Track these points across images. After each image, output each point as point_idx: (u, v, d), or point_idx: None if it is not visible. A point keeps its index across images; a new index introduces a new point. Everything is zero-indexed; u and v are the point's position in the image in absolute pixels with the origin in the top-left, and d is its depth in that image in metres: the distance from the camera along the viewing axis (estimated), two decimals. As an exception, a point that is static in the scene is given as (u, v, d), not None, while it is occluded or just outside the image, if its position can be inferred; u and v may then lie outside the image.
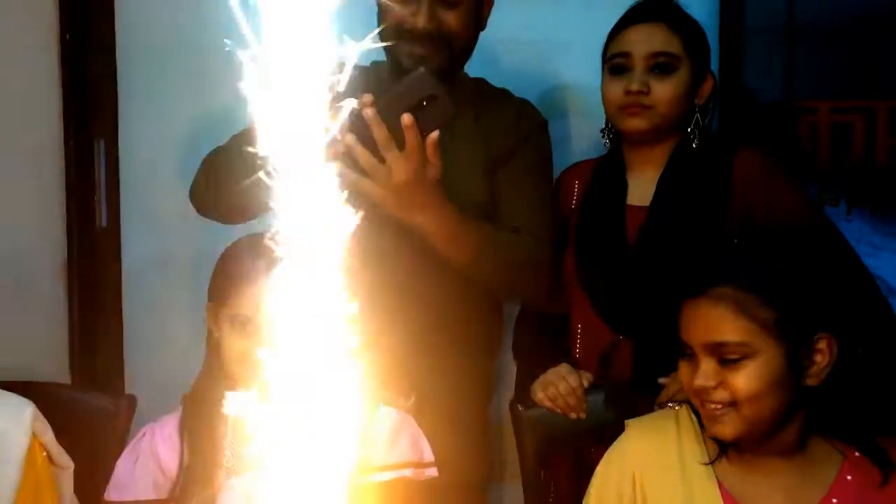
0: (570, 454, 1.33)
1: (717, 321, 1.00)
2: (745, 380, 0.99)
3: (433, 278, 1.37)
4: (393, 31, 1.34)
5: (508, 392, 1.57)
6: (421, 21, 1.33)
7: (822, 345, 1.01)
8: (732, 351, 1.00)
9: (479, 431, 1.52)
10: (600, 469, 1.14)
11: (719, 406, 1.01)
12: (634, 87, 1.36)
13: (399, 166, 1.19)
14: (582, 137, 1.72)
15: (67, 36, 1.78)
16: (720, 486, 1.06)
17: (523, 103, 1.52)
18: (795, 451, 1.05)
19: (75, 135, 1.80)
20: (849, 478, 1.04)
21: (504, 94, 1.53)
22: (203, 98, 1.79)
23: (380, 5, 1.39)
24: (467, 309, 1.43)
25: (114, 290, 1.86)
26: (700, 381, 1.01)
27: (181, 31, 1.85)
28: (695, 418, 1.10)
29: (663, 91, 1.37)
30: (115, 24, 1.83)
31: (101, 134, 1.84)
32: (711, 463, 1.07)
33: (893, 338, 1.29)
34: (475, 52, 1.47)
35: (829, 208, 2.19)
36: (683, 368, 1.06)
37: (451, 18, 1.36)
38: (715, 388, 1.01)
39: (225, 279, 1.22)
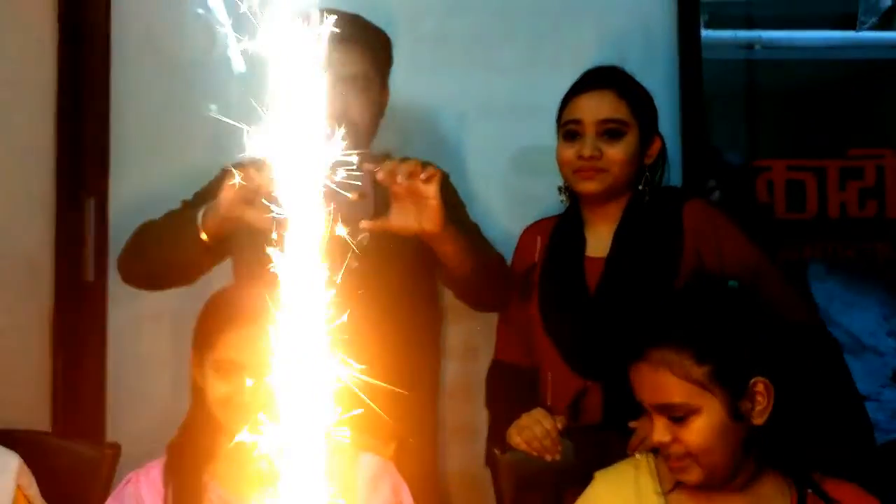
0: (546, 497, 1.37)
1: (658, 384, 1.09)
2: (695, 435, 1.07)
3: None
4: None
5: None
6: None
7: (760, 388, 1.09)
8: (677, 410, 1.08)
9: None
10: None
11: (679, 457, 1.09)
12: (587, 152, 1.47)
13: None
14: (550, 196, 1.81)
15: (64, 98, 1.87)
16: None
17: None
18: (748, 486, 1.12)
19: (67, 193, 1.88)
20: None
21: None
22: (190, 160, 1.89)
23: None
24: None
25: (98, 344, 1.91)
26: (657, 437, 1.10)
27: (172, 97, 1.97)
28: (652, 461, 1.17)
29: (614, 154, 1.47)
30: (109, 91, 1.93)
31: (92, 192, 1.91)
32: (667, 493, 1.14)
33: (834, 381, 1.37)
34: (450, 115, 1.57)
35: (811, 266, 2.31)
36: (645, 423, 1.15)
37: (353, 108, 1.52)
38: (670, 443, 1.09)
39: (208, 326, 1.28)
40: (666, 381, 1.08)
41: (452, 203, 1.54)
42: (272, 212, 1.29)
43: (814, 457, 1.12)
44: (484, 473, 1.57)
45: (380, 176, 1.35)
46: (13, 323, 1.78)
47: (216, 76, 1.96)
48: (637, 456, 1.21)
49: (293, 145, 0.71)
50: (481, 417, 1.65)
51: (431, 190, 1.35)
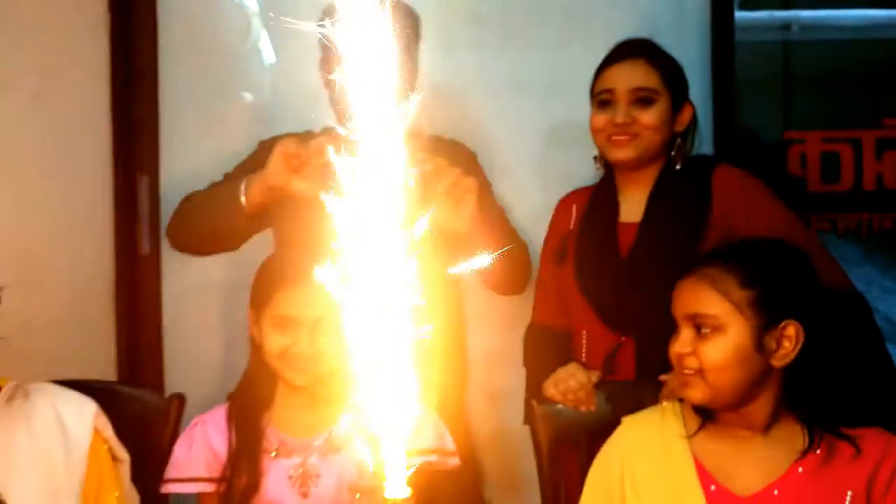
0: (581, 448, 1.43)
1: (696, 295, 1.14)
2: (713, 351, 1.12)
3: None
4: None
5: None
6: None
7: (790, 331, 1.13)
8: (705, 322, 1.13)
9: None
10: (597, 459, 1.27)
11: (690, 372, 1.14)
12: (619, 119, 1.53)
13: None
14: (582, 171, 1.87)
15: (117, 84, 1.98)
16: (696, 461, 1.18)
17: (459, 145, 1.75)
18: (767, 429, 1.17)
19: (122, 172, 1.99)
20: (817, 452, 1.14)
21: (440, 139, 1.72)
22: (233, 140, 1.99)
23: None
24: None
25: (154, 311, 2.03)
26: (676, 347, 1.15)
27: (216, 82, 2.08)
28: (679, 408, 1.23)
29: (646, 119, 1.53)
30: (158, 76, 2.03)
31: (144, 171, 2.03)
32: (691, 437, 1.19)
33: (864, 338, 1.42)
34: (484, 92, 1.64)
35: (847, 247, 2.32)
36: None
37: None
38: (689, 354, 1.14)
39: (264, 286, 1.38)
40: (705, 294, 1.13)
41: (479, 184, 1.58)
42: (320, 183, 1.39)
43: (838, 407, 1.16)
44: (523, 432, 1.67)
45: (428, 168, 1.41)
46: (81, 293, 1.90)
47: (252, 63, 2.09)
48: (664, 403, 1.27)
49: (370, 111, 0.72)
50: (515, 382, 1.73)
51: (470, 200, 1.44)
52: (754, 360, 1.13)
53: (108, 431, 1.29)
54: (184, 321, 2.05)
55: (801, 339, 1.13)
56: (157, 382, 1.97)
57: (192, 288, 2.07)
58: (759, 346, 1.13)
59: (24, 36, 1.80)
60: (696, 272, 1.16)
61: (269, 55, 2.11)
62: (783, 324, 1.13)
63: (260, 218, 1.58)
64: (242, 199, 1.51)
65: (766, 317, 1.13)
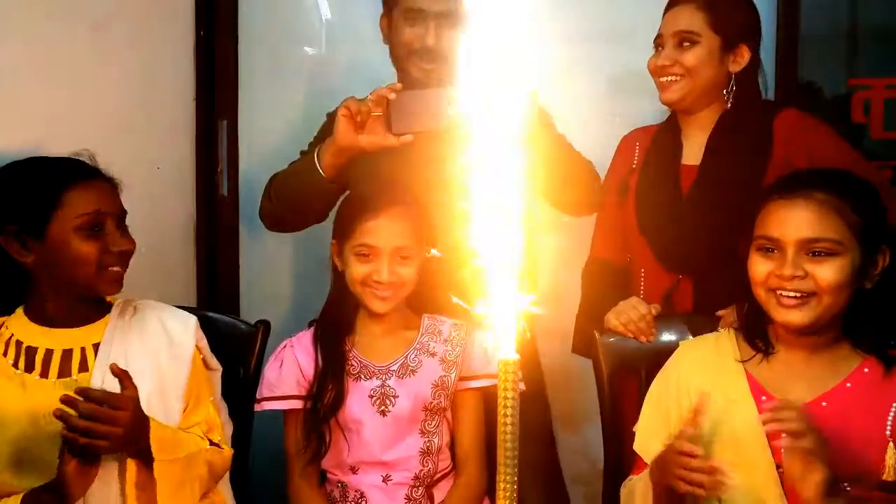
0: (639, 377, 1.51)
1: (814, 220, 1.17)
2: (832, 272, 1.16)
3: None
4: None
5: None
6: (431, 40, 1.62)
7: (884, 256, 1.20)
8: (825, 247, 1.16)
9: None
10: (657, 377, 1.36)
11: (798, 295, 1.17)
12: (661, 61, 1.58)
13: None
14: (642, 116, 1.89)
15: (201, 33, 2.08)
16: (749, 376, 1.25)
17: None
18: (821, 349, 1.23)
19: (203, 116, 2.10)
20: (866, 370, 1.21)
21: None
22: (308, 91, 2.08)
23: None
24: None
25: (233, 249, 2.16)
26: (789, 270, 1.16)
27: (292, 36, 2.18)
28: (733, 334, 1.29)
29: (686, 61, 1.56)
30: (238, 28, 2.13)
31: (224, 115, 2.13)
32: (744, 362, 1.26)
33: None
34: (548, 40, 1.68)
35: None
36: (759, 264, 1.20)
37: (444, 42, 1.60)
38: (803, 277, 1.17)
39: (348, 218, 1.49)
40: (826, 218, 1.16)
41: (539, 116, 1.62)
42: (383, 134, 1.47)
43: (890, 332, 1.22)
44: (571, 363, 1.74)
45: None
46: (164, 229, 2.03)
47: (316, 16, 2.17)
48: (720, 330, 1.34)
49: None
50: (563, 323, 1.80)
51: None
52: (854, 284, 1.18)
53: (204, 343, 1.41)
54: (259, 259, 2.18)
55: (888, 261, 1.19)
56: (234, 313, 2.09)
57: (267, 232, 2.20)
58: (863, 269, 1.18)
59: None
60: (809, 196, 1.18)
61: (324, 11, 2.20)
62: (882, 247, 1.19)
63: (338, 183, 1.66)
64: (319, 166, 1.59)
65: (871, 243, 1.19)
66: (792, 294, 1.18)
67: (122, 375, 1.21)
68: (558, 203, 1.69)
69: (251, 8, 2.15)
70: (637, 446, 1.32)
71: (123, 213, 1.36)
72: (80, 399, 1.17)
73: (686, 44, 1.57)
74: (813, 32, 2.12)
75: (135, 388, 1.22)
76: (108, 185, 1.35)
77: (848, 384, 1.22)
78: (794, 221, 1.18)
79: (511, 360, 0.72)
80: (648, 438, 1.30)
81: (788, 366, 1.25)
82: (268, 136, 2.18)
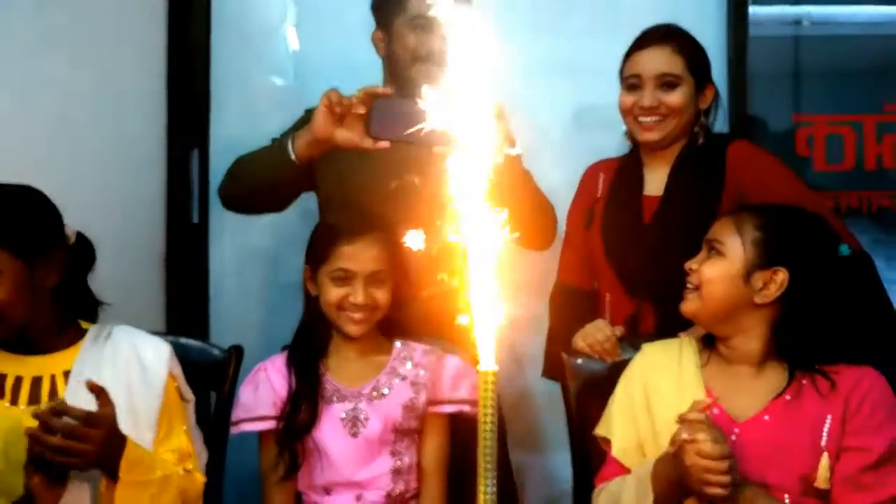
0: (607, 396, 1.51)
1: (720, 227, 1.36)
2: (709, 267, 1.33)
3: None
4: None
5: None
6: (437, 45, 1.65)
7: (779, 276, 1.30)
8: (714, 247, 1.33)
9: None
10: (622, 376, 1.43)
11: (690, 286, 1.35)
12: (646, 102, 1.66)
13: None
14: (607, 149, 1.98)
15: (172, 68, 2.11)
16: (706, 387, 1.34)
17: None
18: (760, 365, 1.33)
19: (175, 146, 2.13)
20: (804, 382, 1.31)
21: None
22: (277, 118, 2.12)
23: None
24: None
25: (202, 276, 2.17)
26: (689, 262, 1.36)
27: (259, 66, 2.22)
28: (695, 342, 1.39)
29: (671, 103, 1.66)
30: (210, 59, 2.18)
31: (195, 145, 2.17)
32: (703, 366, 1.37)
33: (865, 292, 1.55)
34: (517, 75, 1.76)
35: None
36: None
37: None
38: (694, 271, 1.34)
39: (323, 243, 1.52)
40: (726, 227, 1.33)
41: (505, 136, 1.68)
42: (360, 134, 1.50)
43: (832, 350, 1.31)
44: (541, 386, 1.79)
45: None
46: (133, 257, 2.04)
47: (285, 47, 2.23)
48: (682, 336, 1.43)
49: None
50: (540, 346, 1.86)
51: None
52: (739, 288, 1.31)
53: (178, 371, 1.40)
54: (228, 285, 2.20)
55: (785, 286, 1.30)
56: (203, 340, 2.11)
57: (237, 255, 2.22)
58: (747, 277, 1.31)
59: (90, 13, 1.91)
60: (731, 212, 1.35)
61: (292, 42, 2.26)
62: (775, 269, 1.30)
63: (306, 175, 1.66)
64: (291, 151, 1.59)
65: (762, 258, 1.30)
66: (688, 286, 1.36)
67: (97, 391, 1.20)
68: (520, 237, 1.75)
69: (222, 39, 2.20)
70: (616, 452, 1.38)
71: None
72: (54, 417, 1.15)
73: (668, 86, 1.65)
74: (761, 71, 2.25)
75: (111, 404, 1.21)
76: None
77: (787, 397, 1.31)
78: (713, 227, 1.37)
79: (491, 371, 0.77)
80: (625, 444, 1.37)
81: (736, 378, 1.35)
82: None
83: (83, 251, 1.40)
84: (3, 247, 1.27)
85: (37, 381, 1.31)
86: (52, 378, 1.31)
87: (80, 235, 1.40)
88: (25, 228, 1.30)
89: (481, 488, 0.77)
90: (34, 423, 1.16)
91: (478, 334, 0.76)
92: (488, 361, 0.76)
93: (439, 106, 0.83)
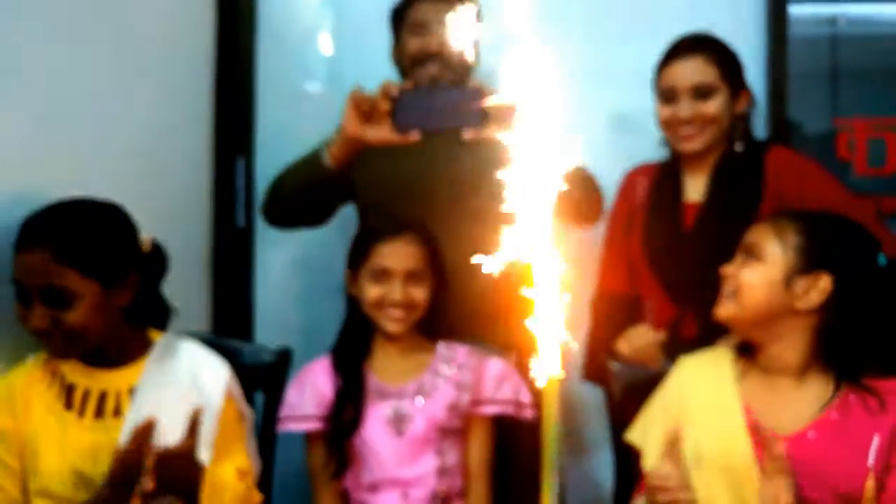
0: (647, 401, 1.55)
1: (759, 231, 1.33)
2: (748, 273, 1.29)
3: None
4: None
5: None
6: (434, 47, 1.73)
7: (822, 282, 1.26)
8: (753, 252, 1.30)
9: None
10: (657, 395, 1.42)
11: (727, 291, 1.32)
12: (683, 114, 1.66)
13: None
14: (642, 152, 1.97)
15: (220, 76, 2.18)
16: (743, 400, 1.31)
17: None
18: (801, 376, 1.29)
19: (221, 155, 2.19)
20: (849, 399, 1.27)
21: None
22: (320, 125, 2.17)
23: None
24: None
25: (248, 280, 2.23)
26: (727, 267, 1.33)
27: (304, 76, 2.26)
28: (732, 353, 1.37)
29: (708, 112, 1.66)
30: (256, 69, 2.24)
31: (240, 154, 2.23)
32: (740, 379, 1.33)
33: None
34: (555, 80, 1.79)
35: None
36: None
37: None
38: (731, 276, 1.32)
39: (362, 244, 1.57)
40: (766, 232, 1.31)
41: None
42: (390, 131, 1.54)
43: (880, 362, 1.28)
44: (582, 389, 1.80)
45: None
46: (180, 260, 2.08)
47: (328, 54, 2.27)
48: (719, 347, 1.41)
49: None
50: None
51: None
52: (779, 293, 1.27)
53: (237, 391, 1.41)
54: (272, 289, 2.26)
55: (829, 292, 1.26)
56: (247, 341, 2.16)
57: (282, 259, 2.27)
58: (788, 283, 1.27)
59: (140, 20, 1.96)
60: (768, 217, 1.33)
61: (324, 48, 2.30)
62: (817, 273, 1.27)
63: (342, 182, 1.70)
64: (325, 156, 1.64)
65: (805, 263, 1.27)
66: (725, 290, 1.34)
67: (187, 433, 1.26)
68: (565, 213, 1.76)
69: (267, 47, 2.26)
70: (644, 464, 1.38)
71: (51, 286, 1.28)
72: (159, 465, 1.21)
73: (703, 95, 1.65)
74: (799, 71, 2.23)
75: (193, 438, 1.26)
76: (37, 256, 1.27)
77: (834, 415, 1.27)
78: (751, 232, 1.35)
79: (554, 378, 0.80)
80: (653, 458, 1.36)
81: (776, 391, 1.31)
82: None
83: (156, 259, 1.43)
84: (83, 272, 1.28)
85: (103, 397, 1.34)
86: (118, 395, 1.34)
87: (154, 243, 1.42)
88: (106, 255, 1.31)
89: (545, 490, 0.80)
90: (99, 437, 1.21)
91: (542, 340, 0.79)
92: (554, 368, 0.79)
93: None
